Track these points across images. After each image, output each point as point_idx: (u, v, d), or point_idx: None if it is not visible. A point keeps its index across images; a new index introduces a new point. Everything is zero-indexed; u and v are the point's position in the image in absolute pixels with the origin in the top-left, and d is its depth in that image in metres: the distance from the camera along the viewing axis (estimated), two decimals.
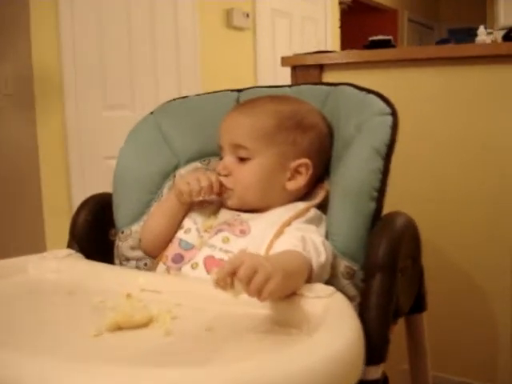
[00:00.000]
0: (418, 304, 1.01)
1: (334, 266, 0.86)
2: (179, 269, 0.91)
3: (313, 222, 0.92)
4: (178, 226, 0.99)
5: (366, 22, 5.71)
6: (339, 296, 0.74)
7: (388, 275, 0.80)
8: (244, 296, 0.76)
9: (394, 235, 0.82)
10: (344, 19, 4.53)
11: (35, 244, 2.33)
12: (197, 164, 1.10)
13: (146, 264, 1.07)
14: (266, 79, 3.39)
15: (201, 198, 0.97)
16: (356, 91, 1.01)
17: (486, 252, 1.44)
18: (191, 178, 0.97)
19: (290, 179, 0.96)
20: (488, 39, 2.29)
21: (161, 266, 0.95)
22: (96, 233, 1.09)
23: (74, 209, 1.10)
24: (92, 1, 2.51)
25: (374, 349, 0.73)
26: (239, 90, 1.18)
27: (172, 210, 1.00)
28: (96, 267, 0.91)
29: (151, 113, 1.17)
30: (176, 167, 1.10)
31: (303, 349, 0.58)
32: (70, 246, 1.06)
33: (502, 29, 2.42)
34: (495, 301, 1.44)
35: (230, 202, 0.97)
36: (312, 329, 0.69)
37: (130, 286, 0.83)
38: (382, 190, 0.88)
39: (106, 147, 2.44)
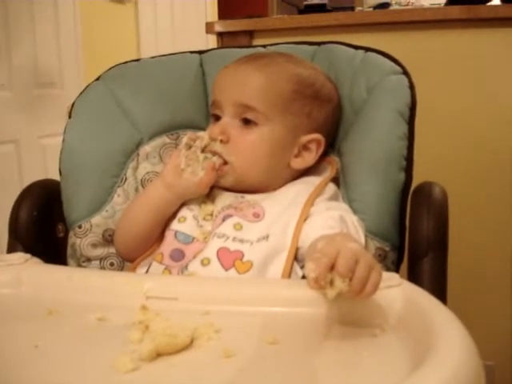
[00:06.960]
0: None
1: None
2: (184, 267, 0.72)
3: (337, 198, 0.79)
4: (170, 219, 0.81)
5: None
6: (408, 283, 0.62)
7: (441, 254, 0.70)
8: (289, 292, 0.63)
9: (439, 208, 0.72)
10: None
11: None
12: (164, 139, 0.92)
13: (112, 264, 0.87)
14: (149, 53, 3.15)
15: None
16: (351, 50, 0.90)
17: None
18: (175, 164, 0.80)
19: (296, 156, 0.81)
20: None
21: (155, 267, 0.75)
22: (43, 230, 0.87)
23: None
24: None
25: None
26: (200, 52, 1.01)
27: (161, 203, 0.80)
28: (73, 274, 0.69)
29: (97, 79, 0.95)
30: (139, 144, 0.91)
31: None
32: (11, 248, 0.83)
33: None
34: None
35: (224, 181, 0.80)
36: (396, 327, 0.57)
37: (131, 294, 0.64)
38: (410, 159, 0.78)
39: None
